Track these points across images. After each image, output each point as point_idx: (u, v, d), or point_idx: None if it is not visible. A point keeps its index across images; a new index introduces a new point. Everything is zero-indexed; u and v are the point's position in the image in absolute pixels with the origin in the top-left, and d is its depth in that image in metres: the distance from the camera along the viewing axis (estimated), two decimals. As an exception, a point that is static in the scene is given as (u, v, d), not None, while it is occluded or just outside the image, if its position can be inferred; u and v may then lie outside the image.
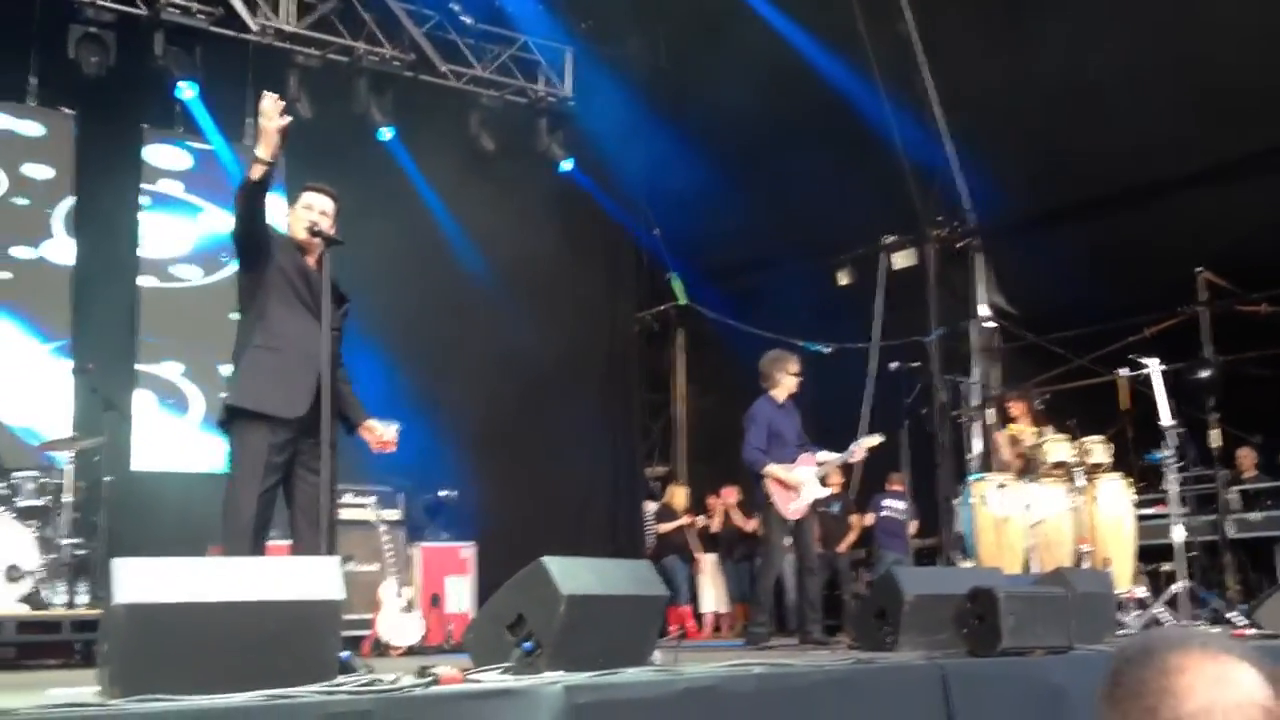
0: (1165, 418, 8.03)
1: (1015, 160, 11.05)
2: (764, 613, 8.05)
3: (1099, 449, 8.29)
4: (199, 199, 11.13)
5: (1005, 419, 9.21)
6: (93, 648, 7.40)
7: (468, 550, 9.98)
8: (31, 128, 10.34)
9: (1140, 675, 1.37)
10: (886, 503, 11.41)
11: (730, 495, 12.43)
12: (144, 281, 10.70)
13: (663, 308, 14.32)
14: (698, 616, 12.51)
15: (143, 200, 10.80)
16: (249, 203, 5.01)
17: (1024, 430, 8.75)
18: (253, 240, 5.05)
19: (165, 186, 10.97)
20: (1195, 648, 1.38)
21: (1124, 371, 8.60)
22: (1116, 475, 8.35)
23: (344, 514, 9.00)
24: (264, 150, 4.89)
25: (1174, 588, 7.84)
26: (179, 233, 10.98)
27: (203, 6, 10.27)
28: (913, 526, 10.70)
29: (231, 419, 4.99)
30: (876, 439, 8.21)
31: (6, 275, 10.12)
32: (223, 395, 5.11)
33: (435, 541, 10.03)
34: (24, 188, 10.27)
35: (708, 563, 12.62)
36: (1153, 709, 1.35)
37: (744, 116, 12.20)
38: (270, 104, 4.88)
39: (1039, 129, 10.64)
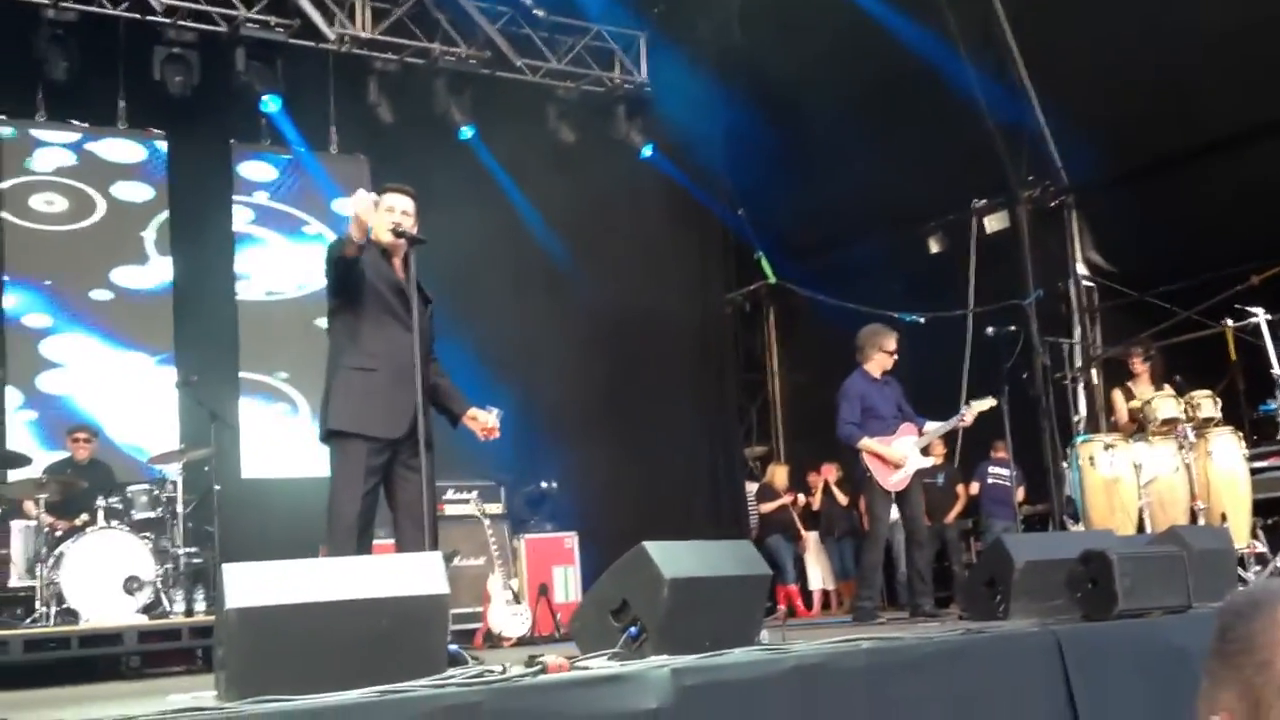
0: (1276, 368, 7.79)
1: (1105, 114, 10.78)
2: (870, 587, 7.98)
3: (1208, 403, 8.06)
4: (290, 209, 11.32)
5: (1126, 377, 8.96)
6: (213, 652, 7.61)
7: (571, 540, 10.05)
8: (124, 151, 10.60)
9: (1250, 629, 1.32)
10: (992, 470, 11.24)
11: (830, 472, 12.34)
12: (242, 293, 10.92)
13: (753, 287, 14.25)
14: (805, 595, 12.45)
15: (235, 213, 11.02)
16: (343, 276, 5.10)
17: (1138, 388, 8.53)
18: (346, 293, 5.14)
19: (256, 199, 11.18)
20: None
21: (1230, 322, 8.36)
22: (1228, 429, 8.12)
23: (447, 510, 9.15)
24: (355, 232, 4.96)
25: (1294, 540, 7.63)
26: (273, 244, 11.18)
27: (281, 20, 10.43)
28: (1020, 493, 10.52)
29: (330, 437, 5.08)
30: (989, 402, 8.04)
31: (107, 296, 10.39)
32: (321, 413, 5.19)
33: (539, 533, 10.11)
34: (120, 211, 10.54)
35: (812, 541, 12.56)
36: (1268, 663, 1.29)
37: (822, 89, 12.06)
38: (361, 197, 4.94)
39: (1129, 80, 10.37)
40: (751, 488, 13.15)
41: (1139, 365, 8.68)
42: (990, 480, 11.27)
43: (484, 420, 5.36)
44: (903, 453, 7.82)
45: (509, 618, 8.73)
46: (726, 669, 3.56)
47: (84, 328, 10.29)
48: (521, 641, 8.61)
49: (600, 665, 3.72)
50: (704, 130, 12.72)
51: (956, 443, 11.51)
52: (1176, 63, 10.03)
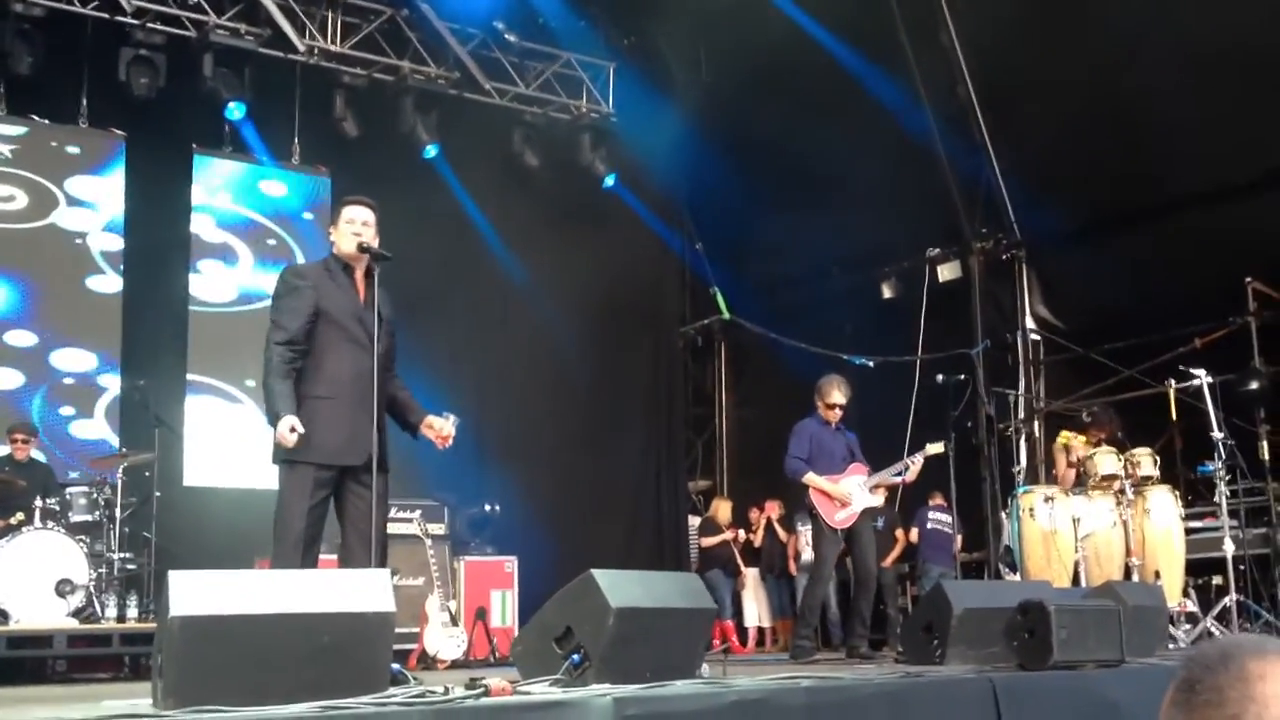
0: (1215, 429, 7.94)
1: (1060, 170, 10.99)
2: (809, 627, 8.02)
3: (1147, 461, 8.20)
4: (248, 216, 11.25)
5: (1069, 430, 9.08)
6: (142, 661, 7.51)
7: (512, 564, 10.02)
8: (83, 148, 10.50)
9: (1218, 682, 1.33)
10: (932, 515, 11.34)
11: (773, 509, 12.39)
12: (195, 300, 10.82)
13: (706, 321, 14.32)
14: (741, 631, 12.46)
15: (192, 219, 10.93)
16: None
17: (1077, 440, 8.66)
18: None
19: (214, 205, 11.10)
20: (1273, 653, 1.34)
21: (1173, 383, 8.51)
22: (1165, 487, 8.26)
23: (390, 528, 9.06)
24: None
25: (1225, 601, 7.74)
26: (228, 252, 11.10)
27: (251, 28, 10.40)
28: (959, 540, 10.63)
29: (283, 462, 5.06)
30: (939, 446, 8.12)
31: (57, 294, 10.26)
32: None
33: (480, 555, 10.08)
34: (75, 208, 10.42)
35: (751, 577, 12.58)
36: (1235, 717, 1.31)
37: (786, 130, 12.18)
38: (285, 435, 4.95)
39: (1083, 139, 10.57)
40: (694, 521, 13.17)
41: (1097, 433, 8.72)
42: (930, 526, 11.37)
43: (439, 427, 5.37)
44: (848, 490, 7.88)
45: (445, 640, 8.69)
46: (669, 700, 3.58)
47: (27, 325, 10.15)
48: (456, 664, 8.56)
49: (543, 691, 3.72)
50: (667, 163, 12.83)
51: (897, 487, 11.60)
52: (1132, 123, 10.23)
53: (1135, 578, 7.79)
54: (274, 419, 4.96)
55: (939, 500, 11.00)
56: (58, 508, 8.29)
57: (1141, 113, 10.17)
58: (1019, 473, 11.37)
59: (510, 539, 10.46)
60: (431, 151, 11.38)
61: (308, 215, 11.39)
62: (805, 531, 10.46)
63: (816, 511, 7.88)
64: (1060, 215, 11.33)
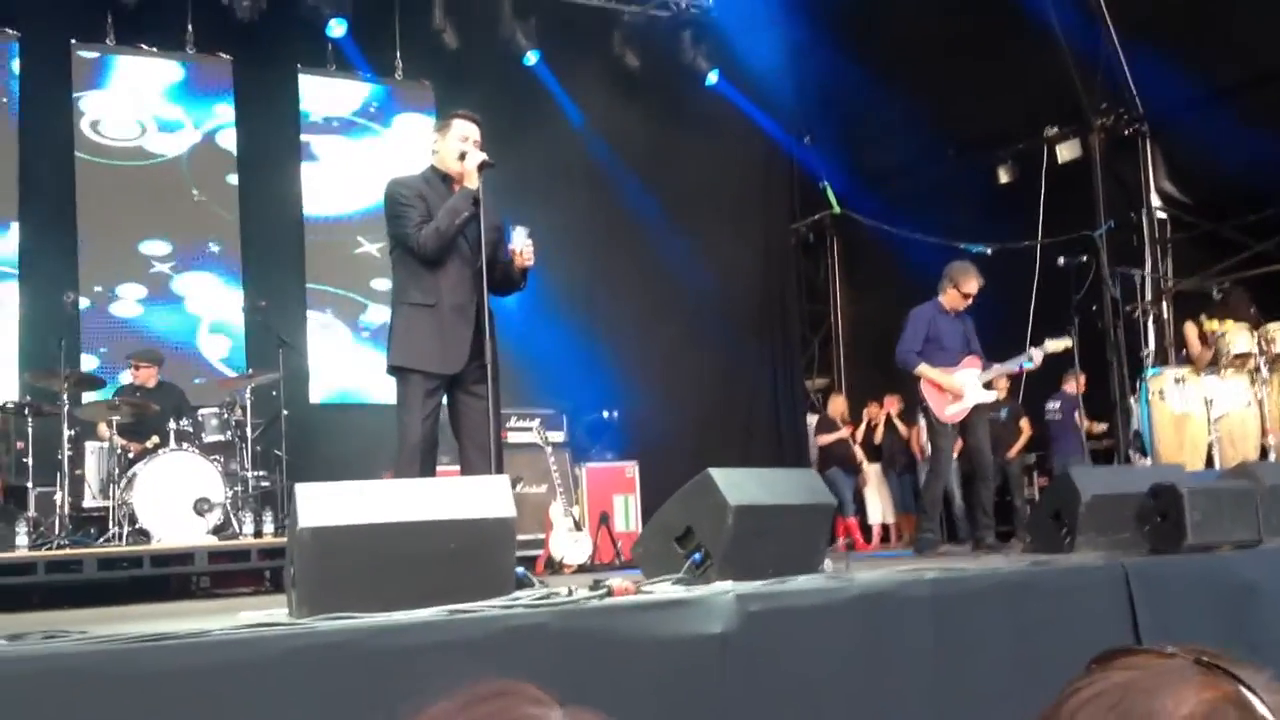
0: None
1: (1182, 39, 10.49)
2: (931, 520, 7.93)
3: (1283, 337, 7.92)
4: (354, 137, 11.34)
5: (1200, 309, 8.77)
6: (281, 573, 7.76)
7: (632, 469, 10.11)
8: (192, 74, 10.65)
9: None
10: (1049, 406, 11.10)
11: (892, 405, 12.27)
12: (309, 215, 10.98)
13: (817, 217, 14.12)
14: (864, 529, 12.44)
15: (302, 140, 11.06)
16: (443, 247, 5.08)
17: (1212, 322, 8.37)
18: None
19: (322, 126, 11.21)
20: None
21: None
22: (1303, 364, 7.97)
23: (510, 437, 9.23)
24: (461, 203, 5.03)
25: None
26: (336, 168, 11.21)
27: (348, -56, 10.39)
28: (1092, 425, 10.42)
29: (393, 370, 5.16)
30: (1063, 343, 7.85)
31: (179, 224, 10.50)
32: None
33: (600, 461, 10.18)
34: (186, 135, 10.61)
35: (872, 473, 12.52)
36: None
37: (891, 11, 11.83)
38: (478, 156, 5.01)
39: (1202, 10, 10.08)
40: (812, 420, 13.12)
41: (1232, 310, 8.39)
42: (1047, 417, 11.16)
43: (516, 248, 5.27)
44: (961, 383, 7.71)
45: (570, 545, 8.82)
46: (791, 596, 3.56)
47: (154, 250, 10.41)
48: (582, 569, 8.69)
49: (665, 590, 3.74)
50: (771, 57, 12.54)
51: (1021, 377, 11.37)
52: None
53: (1272, 457, 7.56)
54: (454, 208, 5.04)
55: (1062, 388, 10.77)
56: (191, 430, 8.55)
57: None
58: (1147, 356, 11.07)
59: (630, 444, 10.54)
60: (532, 58, 11.30)
61: (412, 126, 11.43)
62: (925, 424, 10.33)
63: (926, 404, 7.74)
64: (1184, 86, 10.85)
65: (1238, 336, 7.92)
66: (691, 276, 12.13)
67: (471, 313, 4.98)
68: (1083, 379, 10.17)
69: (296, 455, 8.89)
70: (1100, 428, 10.83)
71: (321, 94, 11.25)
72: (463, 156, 5.13)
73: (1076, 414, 10.51)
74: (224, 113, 10.71)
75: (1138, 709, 0.96)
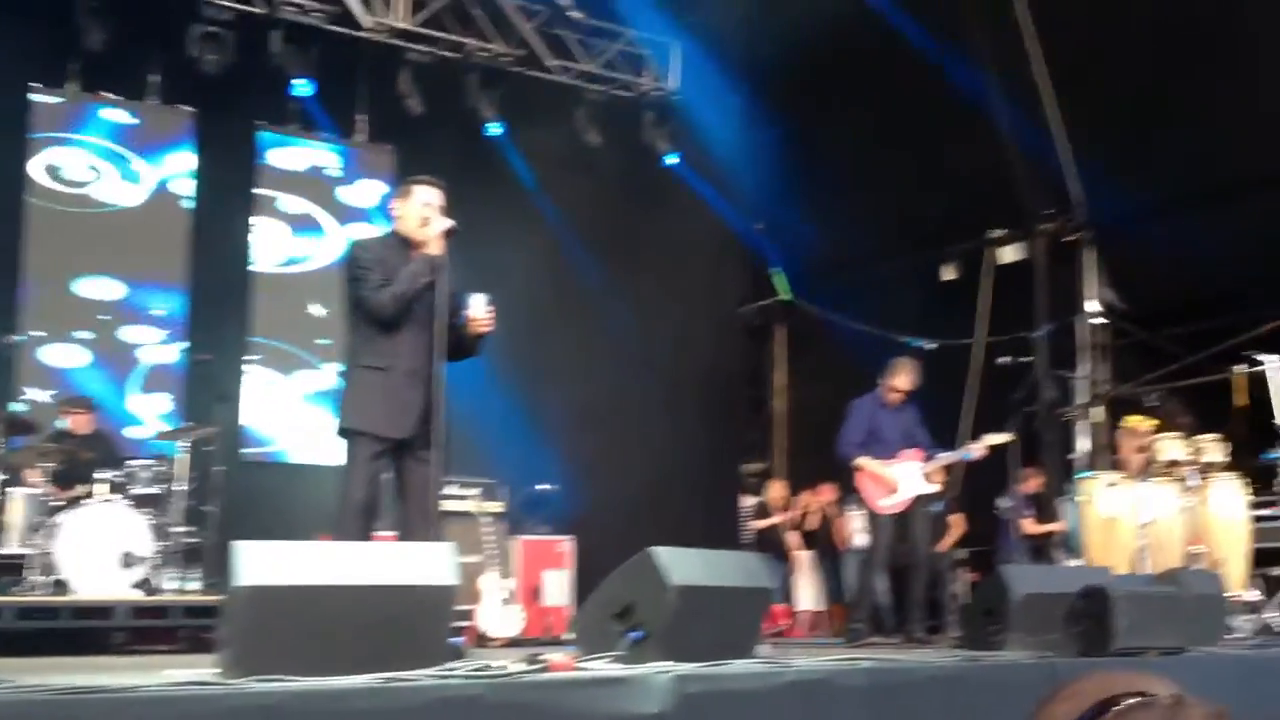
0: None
1: (1128, 151, 10.80)
2: (862, 610, 7.98)
3: (1213, 447, 8.06)
4: (310, 195, 11.34)
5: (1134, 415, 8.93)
6: (200, 634, 7.61)
7: (566, 544, 10.07)
8: (152, 124, 10.62)
9: None
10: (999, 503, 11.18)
11: (826, 493, 12.32)
12: (256, 274, 10.93)
13: (765, 302, 14.26)
14: (793, 615, 12.42)
15: (257, 196, 11.03)
16: (403, 310, 5.12)
17: (1143, 424, 8.52)
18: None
19: (280, 183, 11.20)
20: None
21: (1239, 368, 8.36)
22: (1231, 475, 8.12)
23: (447, 505, 9.16)
24: (422, 269, 5.10)
25: (1289, 591, 7.62)
26: (290, 227, 11.20)
27: (319, 5, 10.49)
28: (1029, 524, 10.51)
29: (343, 433, 5.15)
30: (1005, 436, 8.02)
31: (127, 272, 10.41)
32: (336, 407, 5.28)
33: (535, 534, 10.13)
34: (143, 184, 10.56)
35: (804, 561, 12.53)
36: None
37: (849, 108, 12.10)
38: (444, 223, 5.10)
39: (1152, 117, 10.40)
40: (747, 503, 13.14)
41: (1162, 417, 8.56)
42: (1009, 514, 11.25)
43: (475, 315, 5.29)
44: (898, 476, 7.81)
45: (500, 617, 8.75)
46: (729, 679, 3.57)
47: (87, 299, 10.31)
48: (511, 643, 8.62)
49: (603, 667, 3.73)
50: (729, 143, 12.76)
51: (962, 475, 11.49)
52: (1201, 104, 10.06)
53: (1197, 566, 7.67)
54: (414, 273, 5.10)
55: (1015, 486, 10.82)
56: (122, 480, 8.41)
57: (1212, 92, 9.99)
58: (1078, 458, 11.24)
59: (566, 519, 10.50)
60: (495, 129, 11.41)
61: (371, 189, 11.45)
62: (856, 515, 10.39)
63: (864, 496, 7.83)
64: (1127, 197, 11.14)
65: (1169, 445, 8.06)
66: (639, 354, 12.19)
67: (425, 377, 5.00)
68: (1036, 480, 10.32)
69: (228, 513, 8.78)
70: (1056, 527, 10.90)
71: (281, 152, 11.25)
72: (425, 222, 5.16)
73: (1024, 514, 10.63)
74: (182, 164, 10.68)
75: None
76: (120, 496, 8.17)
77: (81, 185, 10.33)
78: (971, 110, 11.35)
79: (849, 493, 8.95)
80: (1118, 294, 11.61)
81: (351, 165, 11.56)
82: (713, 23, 12.71)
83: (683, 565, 4.09)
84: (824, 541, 12.42)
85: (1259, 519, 8.35)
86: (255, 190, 11.04)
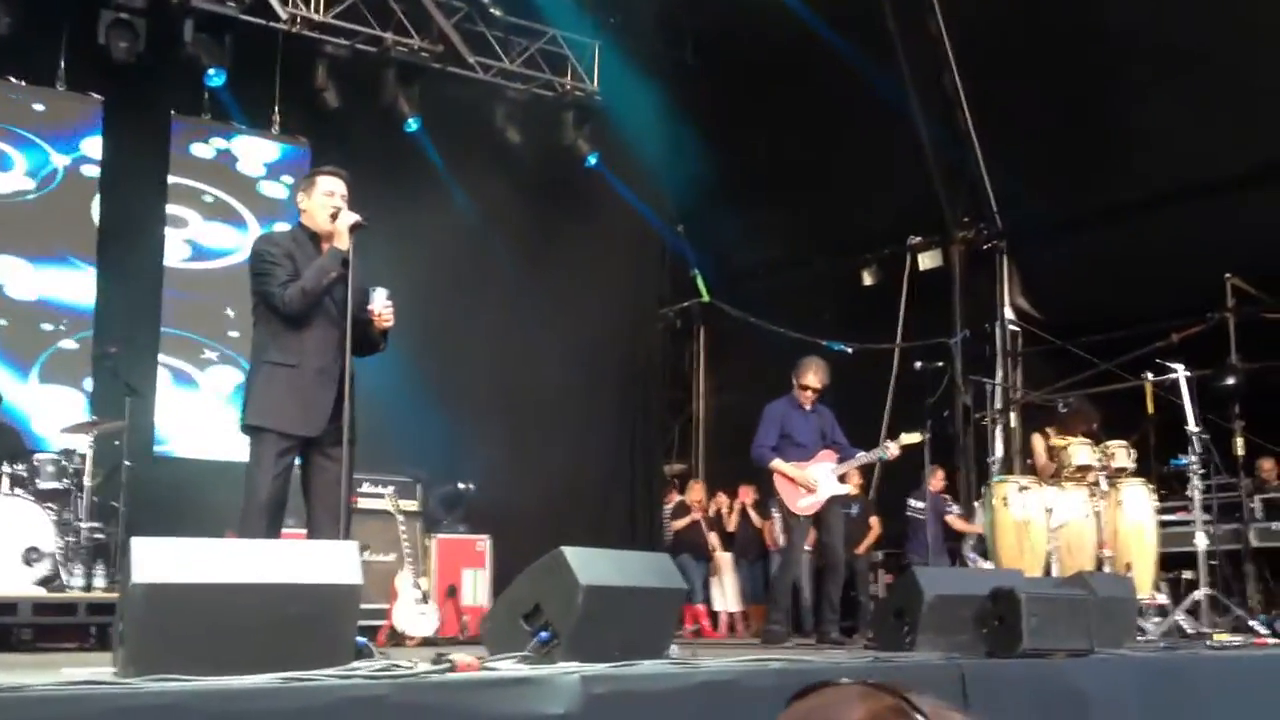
0: (1191, 423, 7.96)
1: (1043, 162, 11.01)
2: (780, 611, 8.00)
3: (1122, 453, 8.22)
4: (222, 186, 11.13)
5: (1046, 421, 9.06)
6: (109, 631, 7.44)
7: (484, 543, 9.98)
8: (60, 111, 10.37)
9: None
10: (911, 503, 11.30)
11: (746, 495, 12.38)
12: (167, 266, 10.72)
13: (685, 304, 14.30)
14: (712, 616, 12.46)
15: (170, 187, 10.81)
16: (309, 305, 5.02)
17: (1059, 435, 8.65)
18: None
19: (190, 174, 10.98)
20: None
21: (1150, 376, 8.53)
22: (1139, 481, 8.28)
23: (361, 503, 9.04)
24: (330, 264, 4.99)
25: (1195, 594, 7.77)
26: (202, 220, 10.99)
27: (233, -6, 10.30)
28: (960, 522, 10.63)
29: (248, 429, 5.05)
30: (916, 436, 8.10)
31: (32, 260, 10.15)
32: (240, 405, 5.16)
33: (452, 533, 10.03)
34: (50, 173, 10.30)
35: (723, 562, 12.57)
36: None
37: (770, 113, 12.17)
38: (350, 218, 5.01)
39: (1067, 131, 10.59)
40: (668, 505, 13.16)
41: (1074, 428, 8.66)
42: (907, 513, 11.35)
43: (376, 310, 5.18)
44: (814, 477, 7.85)
45: (415, 616, 8.64)
46: (636, 680, 3.55)
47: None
48: (426, 642, 8.51)
49: (510, 667, 3.69)
50: (650, 145, 12.76)
51: (873, 475, 11.61)
52: (1115, 117, 10.26)
53: (1107, 569, 7.80)
54: (322, 268, 4.99)
55: (925, 485, 10.90)
56: (26, 475, 8.18)
57: (1125, 108, 10.20)
58: (994, 462, 11.41)
59: (483, 517, 10.40)
60: (413, 125, 11.28)
61: (285, 183, 11.28)
62: (780, 517, 10.44)
63: (779, 498, 7.86)
64: (1042, 207, 11.36)
65: (1080, 450, 8.20)
66: (557, 353, 12.13)
67: (335, 375, 4.90)
68: (940, 475, 10.43)
69: (136, 509, 8.57)
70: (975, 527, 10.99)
71: (194, 142, 11.04)
72: (335, 216, 5.07)
73: (946, 514, 10.73)
74: (91, 152, 10.42)
75: None
76: (23, 491, 7.96)
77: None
78: (892, 119, 11.49)
79: (768, 495, 9.00)
80: (1031, 302, 11.81)
81: (264, 156, 11.35)
82: (634, 23, 12.72)
83: (592, 565, 4.06)
84: (743, 542, 12.47)
85: (1166, 524, 8.53)
86: (168, 182, 10.79)
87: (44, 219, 10.23)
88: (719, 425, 14.44)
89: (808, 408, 8.06)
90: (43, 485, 8.20)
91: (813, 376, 8.07)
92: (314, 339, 5.02)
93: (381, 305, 5.18)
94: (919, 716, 1.20)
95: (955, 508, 11.22)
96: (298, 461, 5.07)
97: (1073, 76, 10.42)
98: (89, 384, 10.08)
